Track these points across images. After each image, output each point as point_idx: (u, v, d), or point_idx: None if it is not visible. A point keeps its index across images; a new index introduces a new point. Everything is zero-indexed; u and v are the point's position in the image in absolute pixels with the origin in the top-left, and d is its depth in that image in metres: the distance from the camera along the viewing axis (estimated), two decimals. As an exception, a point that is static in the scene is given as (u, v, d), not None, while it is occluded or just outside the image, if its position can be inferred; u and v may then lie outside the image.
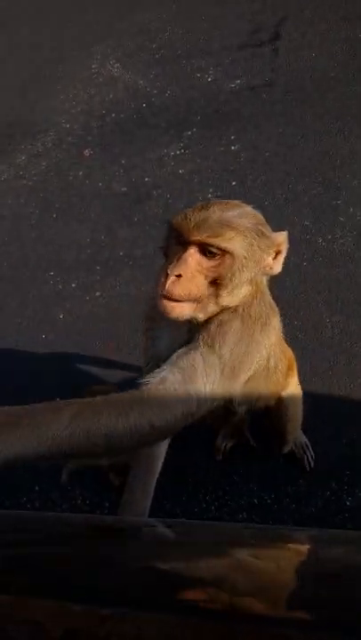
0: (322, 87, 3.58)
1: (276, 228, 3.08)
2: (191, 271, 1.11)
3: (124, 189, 3.45)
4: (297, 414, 1.91)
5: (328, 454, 2.18)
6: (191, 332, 1.22)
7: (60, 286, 3.08)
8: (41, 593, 0.77)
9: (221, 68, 3.96)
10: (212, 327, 1.17)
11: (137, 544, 1.07)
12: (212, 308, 1.17)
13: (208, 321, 1.19)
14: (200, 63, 4.06)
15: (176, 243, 1.16)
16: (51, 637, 0.67)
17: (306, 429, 2.08)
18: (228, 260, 1.13)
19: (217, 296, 1.15)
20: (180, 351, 1.16)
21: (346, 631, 0.68)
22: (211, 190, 3.25)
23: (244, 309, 1.20)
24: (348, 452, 2.18)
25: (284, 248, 1.23)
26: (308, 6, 4.14)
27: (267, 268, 1.23)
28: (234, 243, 1.12)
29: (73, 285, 3.06)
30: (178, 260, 1.12)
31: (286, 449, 2.09)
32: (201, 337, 1.16)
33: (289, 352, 1.69)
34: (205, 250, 1.12)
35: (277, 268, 1.24)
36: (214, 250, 1.12)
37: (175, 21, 4.49)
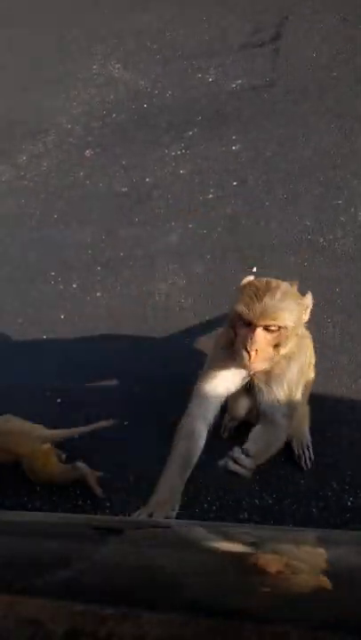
0: (323, 87, 3.58)
1: (278, 228, 3.06)
2: (262, 345, 1.61)
3: (125, 190, 3.45)
4: (304, 400, 1.98)
5: (329, 454, 2.18)
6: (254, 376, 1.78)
7: (61, 286, 3.08)
8: (42, 592, 0.77)
9: (222, 68, 3.96)
10: (276, 372, 1.75)
11: (138, 544, 1.07)
12: (276, 359, 1.70)
13: (270, 369, 1.73)
14: (201, 63, 4.06)
15: (243, 325, 1.63)
16: (52, 637, 0.67)
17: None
18: (284, 330, 1.62)
19: (279, 352, 1.67)
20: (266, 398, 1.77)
21: (347, 630, 0.68)
22: (212, 191, 3.25)
23: (292, 352, 1.74)
24: (349, 451, 2.17)
25: (311, 304, 1.73)
26: (308, 6, 4.13)
27: (304, 321, 1.73)
28: (286, 320, 1.60)
29: (74, 286, 3.06)
30: (251, 340, 1.60)
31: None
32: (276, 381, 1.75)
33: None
34: (268, 328, 1.61)
35: (307, 317, 1.73)
36: (274, 328, 1.61)
37: (176, 22, 4.49)
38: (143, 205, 3.32)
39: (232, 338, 1.71)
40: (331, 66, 3.68)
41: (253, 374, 1.77)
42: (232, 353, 1.69)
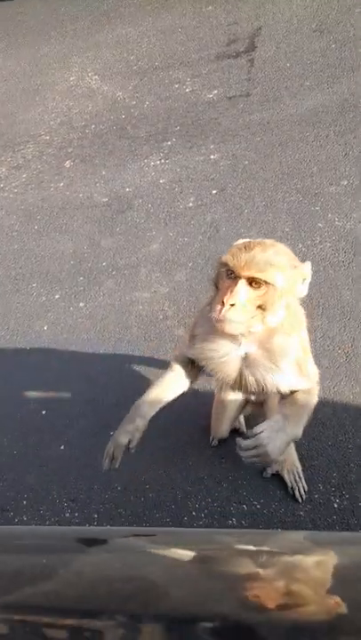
0: (297, 96, 3.66)
1: (257, 235, 3.12)
2: (242, 300, 1.40)
3: (106, 200, 3.46)
4: None
5: (313, 457, 2.20)
6: (248, 349, 1.56)
7: (44, 298, 3.07)
8: (29, 607, 0.77)
9: (199, 78, 4.02)
10: (275, 347, 1.54)
11: (127, 554, 1.07)
12: (259, 327, 1.47)
13: (267, 343, 1.54)
14: (178, 74, 4.11)
15: (227, 277, 1.44)
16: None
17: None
18: (271, 290, 1.41)
19: (262, 318, 1.45)
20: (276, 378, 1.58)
21: (337, 631, 0.69)
22: (192, 199, 3.28)
23: (285, 328, 1.53)
24: (333, 453, 2.20)
25: (309, 275, 1.51)
26: (282, 18, 4.23)
27: (298, 292, 1.52)
28: (276, 277, 1.40)
29: (56, 296, 3.05)
30: (231, 292, 1.39)
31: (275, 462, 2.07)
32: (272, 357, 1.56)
33: None
34: (253, 282, 1.41)
35: (305, 291, 1.53)
36: (261, 282, 1.40)
37: (152, 34, 4.54)
38: (124, 215, 3.34)
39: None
40: (304, 76, 3.76)
41: (247, 353, 1.56)
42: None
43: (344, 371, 2.40)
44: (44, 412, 2.58)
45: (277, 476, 2.13)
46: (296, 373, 1.59)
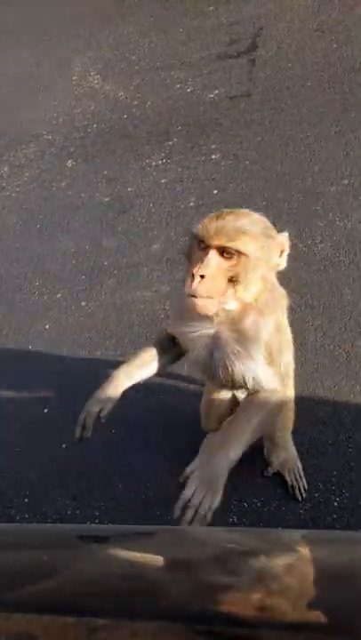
0: (298, 96, 3.66)
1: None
2: (213, 271, 1.31)
3: (107, 199, 3.47)
4: (288, 419, 1.92)
5: (313, 456, 2.21)
6: (220, 327, 1.45)
7: (46, 297, 3.08)
8: (32, 606, 0.77)
9: (200, 78, 4.03)
10: (247, 327, 1.42)
11: (128, 551, 1.08)
12: (232, 304, 1.38)
13: (239, 322, 1.42)
14: (179, 74, 4.12)
15: (198, 248, 1.36)
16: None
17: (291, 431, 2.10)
18: (243, 260, 1.32)
19: (235, 291, 1.35)
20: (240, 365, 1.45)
21: (335, 631, 0.70)
22: (193, 199, 3.29)
23: (261, 305, 1.43)
24: (333, 453, 2.21)
25: (287, 246, 1.45)
26: (283, 18, 4.23)
27: (275, 265, 1.44)
28: (248, 245, 1.32)
29: (58, 296, 3.07)
30: (201, 263, 1.31)
31: (276, 459, 2.05)
32: (244, 339, 1.43)
33: None
34: (224, 253, 1.32)
35: (283, 263, 1.46)
36: (232, 252, 1.31)
37: (154, 33, 4.55)
38: (126, 215, 3.35)
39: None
40: (305, 76, 3.77)
41: (218, 331, 1.43)
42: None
43: (345, 370, 2.41)
44: (45, 411, 2.59)
45: (278, 475, 2.14)
46: (265, 361, 1.45)
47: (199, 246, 1.36)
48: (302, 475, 2.13)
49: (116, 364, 2.66)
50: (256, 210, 3.27)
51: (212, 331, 1.47)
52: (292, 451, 2.13)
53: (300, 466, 2.14)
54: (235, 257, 1.32)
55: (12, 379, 2.77)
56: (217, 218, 1.35)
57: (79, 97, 4.25)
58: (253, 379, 1.46)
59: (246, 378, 1.46)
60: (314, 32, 4.06)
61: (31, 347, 2.87)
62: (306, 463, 2.17)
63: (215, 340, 1.48)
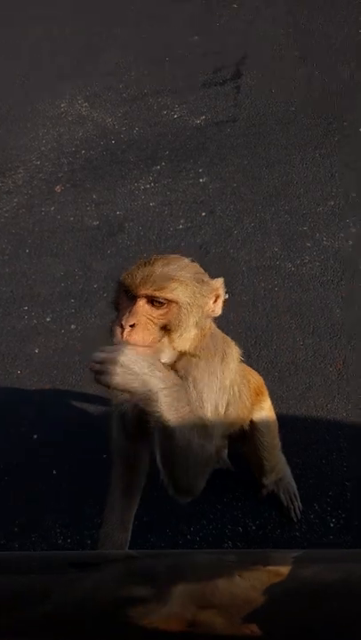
0: (283, 121, 3.75)
1: (247, 256, 3.14)
2: (143, 320, 1.24)
3: (96, 223, 3.50)
4: (273, 440, 1.89)
5: (308, 476, 2.19)
6: None
7: (35, 320, 3.06)
8: (22, 631, 0.76)
9: (187, 105, 4.12)
10: (181, 370, 1.31)
11: (116, 577, 1.06)
12: (168, 353, 1.29)
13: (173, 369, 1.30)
14: (166, 101, 4.21)
15: (126, 298, 1.30)
16: None
17: (284, 452, 2.08)
18: (174, 308, 1.26)
19: (170, 341, 1.27)
20: None
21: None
22: (182, 222, 3.32)
23: (198, 352, 1.33)
24: (328, 472, 2.19)
25: (222, 292, 1.37)
26: (266, 46, 4.37)
27: (210, 312, 1.35)
28: (177, 292, 1.26)
29: (48, 319, 3.05)
30: (130, 313, 1.24)
31: (267, 481, 2.02)
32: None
33: (255, 377, 1.75)
34: (153, 301, 1.26)
35: (218, 310, 1.36)
36: (161, 300, 1.25)
37: (140, 61, 4.66)
38: (115, 238, 3.37)
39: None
40: (289, 101, 3.87)
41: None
42: None
43: (336, 388, 2.41)
44: (35, 437, 2.55)
45: (273, 497, 2.11)
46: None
47: (127, 295, 1.29)
48: (297, 495, 2.10)
49: (104, 391, 2.67)
50: (244, 231, 3.32)
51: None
52: (287, 471, 2.10)
53: (294, 486, 2.11)
54: (165, 305, 1.25)
55: (0, 404, 2.73)
56: (144, 264, 1.28)
57: (68, 124, 4.31)
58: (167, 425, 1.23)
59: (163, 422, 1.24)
60: (296, 59, 4.19)
61: (20, 371, 2.84)
62: (300, 483, 2.15)
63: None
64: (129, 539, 1.60)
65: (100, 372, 1.15)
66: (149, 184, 3.63)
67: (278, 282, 2.86)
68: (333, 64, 4.05)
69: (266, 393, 1.82)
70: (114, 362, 1.15)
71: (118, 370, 1.14)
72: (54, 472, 2.39)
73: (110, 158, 3.91)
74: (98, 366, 1.16)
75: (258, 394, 1.74)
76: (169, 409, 1.17)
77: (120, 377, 1.14)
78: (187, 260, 1.34)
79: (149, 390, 1.16)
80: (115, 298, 1.38)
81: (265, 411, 1.79)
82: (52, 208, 3.68)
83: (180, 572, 1.04)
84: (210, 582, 0.95)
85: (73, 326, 2.98)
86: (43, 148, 4.16)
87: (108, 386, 1.15)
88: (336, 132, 3.57)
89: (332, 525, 2.07)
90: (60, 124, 4.34)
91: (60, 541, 2.21)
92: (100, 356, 1.17)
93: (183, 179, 3.59)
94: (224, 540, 2.09)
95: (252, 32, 4.56)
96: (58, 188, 3.82)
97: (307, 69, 4.07)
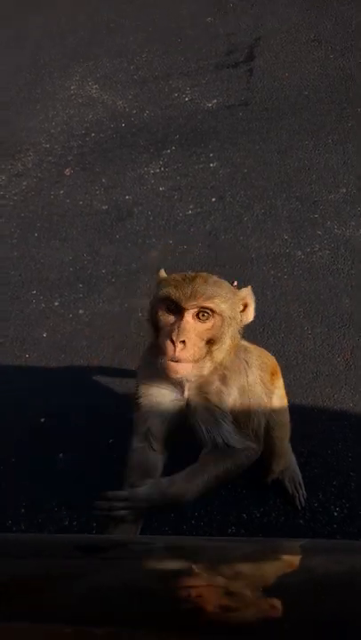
0: (296, 105, 3.68)
1: (256, 243, 3.11)
2: (192, 337, 1.31)
3: (105, 207, 3.48)
4: (285, 418, 1.89)
5: (313, 465, 2.19)
6: (189, 392, 1.47)
7: (43, 305, 3.07)
8: (32, 616, 0.76)
9: (198, 87, 4.05)
10: (212, 395, 1.43)
11: (127, 562, 1.06)
12: (208, 365, 1.39)
13: (206, 386, 1.43)
14: (178, 83, 4.14)
15: (168, 312, 1.36)
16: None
17: (290, 441, 2.07)
18: (218, 321, 1.35)
19: (211, 353, 1.36)
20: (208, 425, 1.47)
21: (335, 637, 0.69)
22: (191, 207, 3.29)
23: (228, 366, 1.44)
24: (333, 462, 2.19)
25: (250, 300, 1.46)
26: (280, 28, 4.27)
27: (242, 320, 1.45)
28: (221, 305, 1.35)
29: (56, 304, 3.05)
30: (178, 329, 1.30)
31: (277, 467, 2.03)
32: (211, 403, 1.45)
33: (269, 358, 1.79)
34: (199, 315, 1.33)
35: (249, 317, 1.46)
36: (208, 313, 1.33)
37: (152, 43, 4.58)
38: (124, 222, 3.35)
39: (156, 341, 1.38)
40: (302, 86, 3.79)
41: (188, 396, 1.45)
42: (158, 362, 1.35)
43: (344, 378, 2.40)
44: (42, 420, 2.57)
45: (277, 485, 2.12)
46: (232, 427, 1.45)
47: (169, 310, 1.35)
48: (302, 484, 2.11)
49: (113, 372, 2.67)
50: (254, 218, 3.29)
51: (183, 399, 1.49)
52: (292, 459, 2.11)
53: (299, 474, 2.12)
54: (210, 318, 1.34)
55: (8, 388, 2.75)
56: (185, 280, 1.35)
57: (78, 106, 4.26)
58: (223, 441, 1.48)
59: (217, 441, 1.48)
60: (311, 42, 4.10)
61: (28, 355, 2.85)
62: (305, 472, 2.16)
63: (189, 411, 1.49)
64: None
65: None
66: (159, 168, 3.59)
67: (288, 270, 2.84)
68: (349, 48, 3.96)
69: (279, 372, 1.84)
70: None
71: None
72: (61, 455, 2.41)
73: (120, 141, 3.87)
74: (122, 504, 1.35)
75: (273, 373, 1.78)
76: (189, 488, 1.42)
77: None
78: (216, 277, 1.41)
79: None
80: (152, 315, 1.42)
81: (278, 389, 1.81)
82: (62, 191, 3.66)
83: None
84: (215, 569, 0.96)
85: (81, 311, 2.98)
86: (52, 131, 4.12)
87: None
88: (350, 117, 3.50)
89: (335, 514, 2.07)
90: (69, 105, 4.29)
91: (66, 523, 2.24)
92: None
93: (193, 163, 3.54)
94: (228, 527, 2.11)
95: (266, 14, 4.46)
96: (67, 172, 3.79)
97: (321, 53, 3.99)
